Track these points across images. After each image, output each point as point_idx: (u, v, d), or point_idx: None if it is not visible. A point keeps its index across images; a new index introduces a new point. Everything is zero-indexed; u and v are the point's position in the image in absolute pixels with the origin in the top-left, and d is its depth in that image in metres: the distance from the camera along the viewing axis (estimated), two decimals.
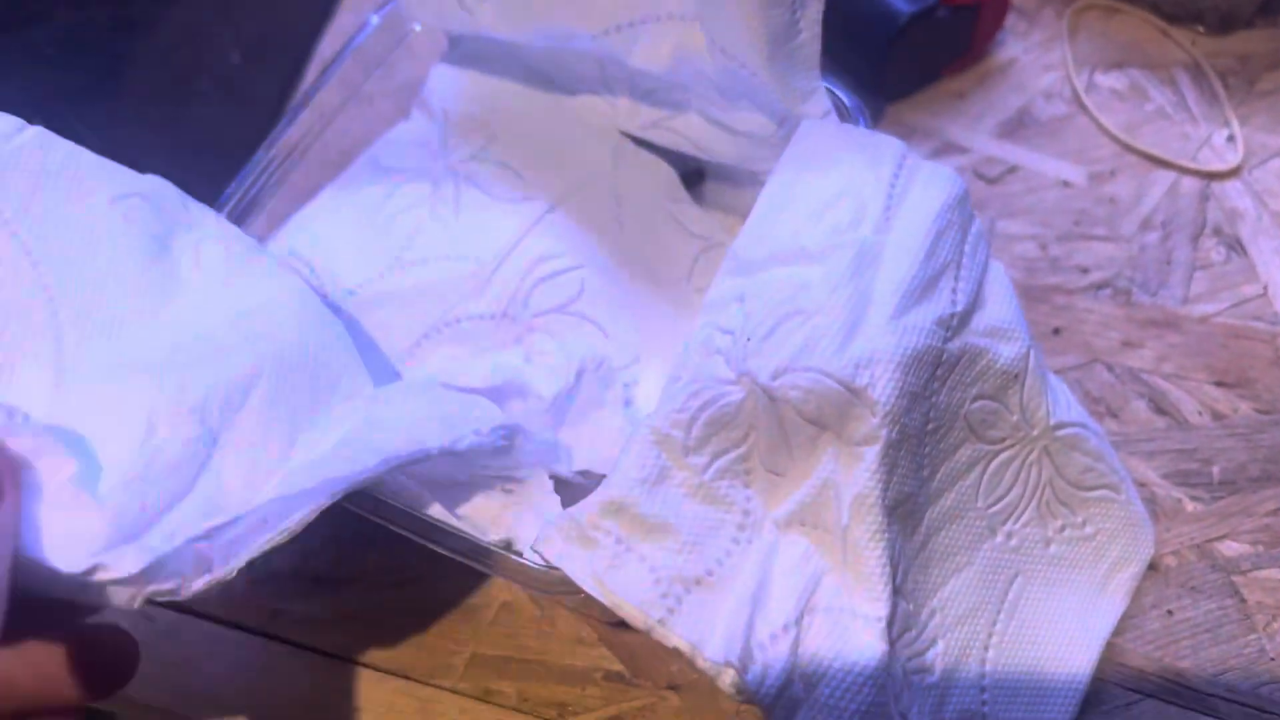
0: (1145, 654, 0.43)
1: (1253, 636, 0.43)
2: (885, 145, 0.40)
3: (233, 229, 0.42)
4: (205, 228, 0.41)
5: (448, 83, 0.52)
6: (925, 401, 0.36)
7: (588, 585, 0.33)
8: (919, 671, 0.37)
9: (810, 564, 0.35)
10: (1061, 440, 0.41)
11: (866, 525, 0.34)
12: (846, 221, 0.37)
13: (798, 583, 0.34)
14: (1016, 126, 0.59)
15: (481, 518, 0.38)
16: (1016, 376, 0.39)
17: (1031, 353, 0.39)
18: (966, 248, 0.39)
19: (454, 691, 0.45)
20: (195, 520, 0.33)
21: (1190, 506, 0.46)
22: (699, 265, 0.50)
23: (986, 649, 0.39)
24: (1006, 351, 0.39)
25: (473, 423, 0.37)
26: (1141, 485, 0.47)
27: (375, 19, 0.51)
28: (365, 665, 0.45)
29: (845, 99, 0.44)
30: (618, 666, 0.44)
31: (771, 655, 0.32)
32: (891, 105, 0.61)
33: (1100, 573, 0.42)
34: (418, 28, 0.52)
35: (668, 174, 0.51)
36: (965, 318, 0.38)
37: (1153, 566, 0.45)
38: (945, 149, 0.59)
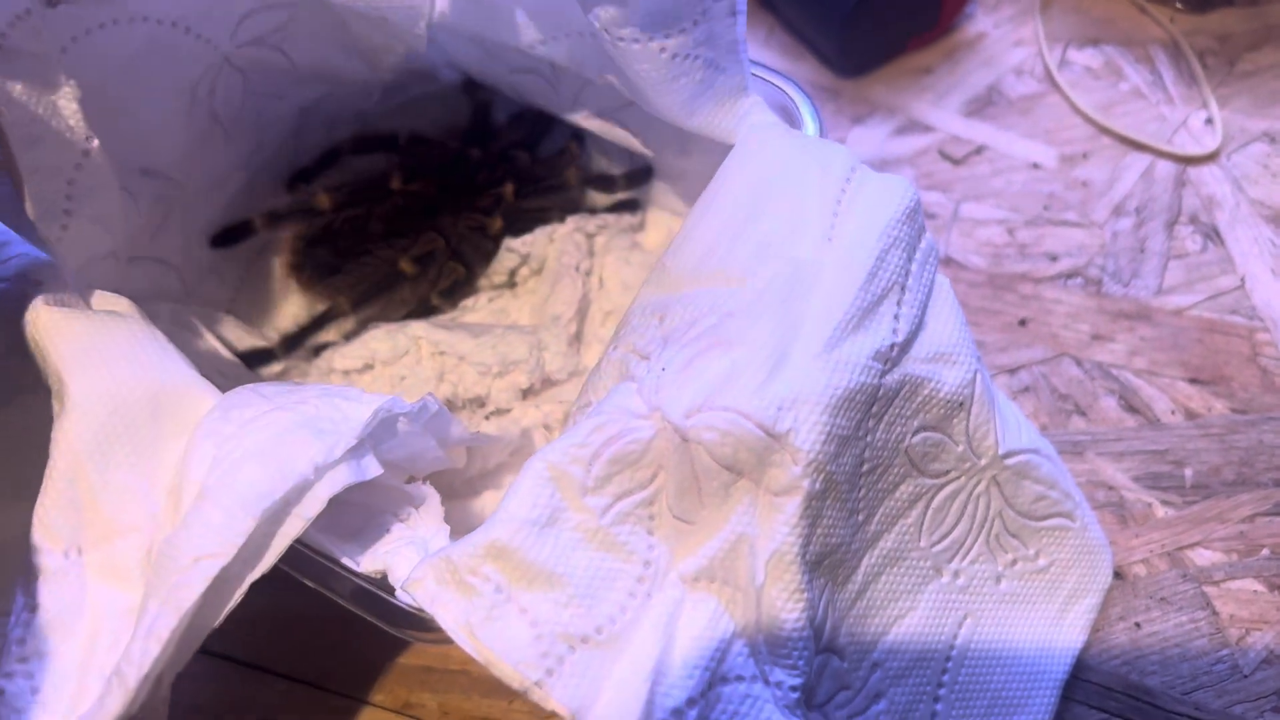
0: (1111, 670, 0.40)
1: (1225, 652, 0.41)
2: (833, 155, 0.36)
3: None
4: None
5: None
6: (858, 443, 0.32)
7: (458, 637, 0.29)
8: None
9: (719, 627, 0.30)
10: (1011, 469, 0.37)
11: (784, 585, 0.30)
12: (783, 235, 0.33)
13: (705, 648, 0.30)
14: (985, 104, 0.56)
15: (359, 543, 0.34)
16: (962, 405, 0.35)
17: (979, 377, 0.36)
18: (913, 267, 0.35)
19: (370, 704, 0.41)
20: None
21: (1161, 511, 0.44)
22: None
23: (936, 701, 0.36)
24: (951, 378, 0.35)
25: (345, 422, 0.32)
26: (1110, 488, 0.44)
27: None
28: (275, 673, 0.42)
29: (798, 97, 0.41)
30: None
31: None
32: (853, 80, 0.57)
33: (1055, 607, 0.39)
34: None
35: None
36: (906, 346, 0.34)
37: (1120, 576, 0.42)
38: (909, 127, 0.55)
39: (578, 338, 0.46)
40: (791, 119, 0.40)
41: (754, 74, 0.40)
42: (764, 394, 0.30)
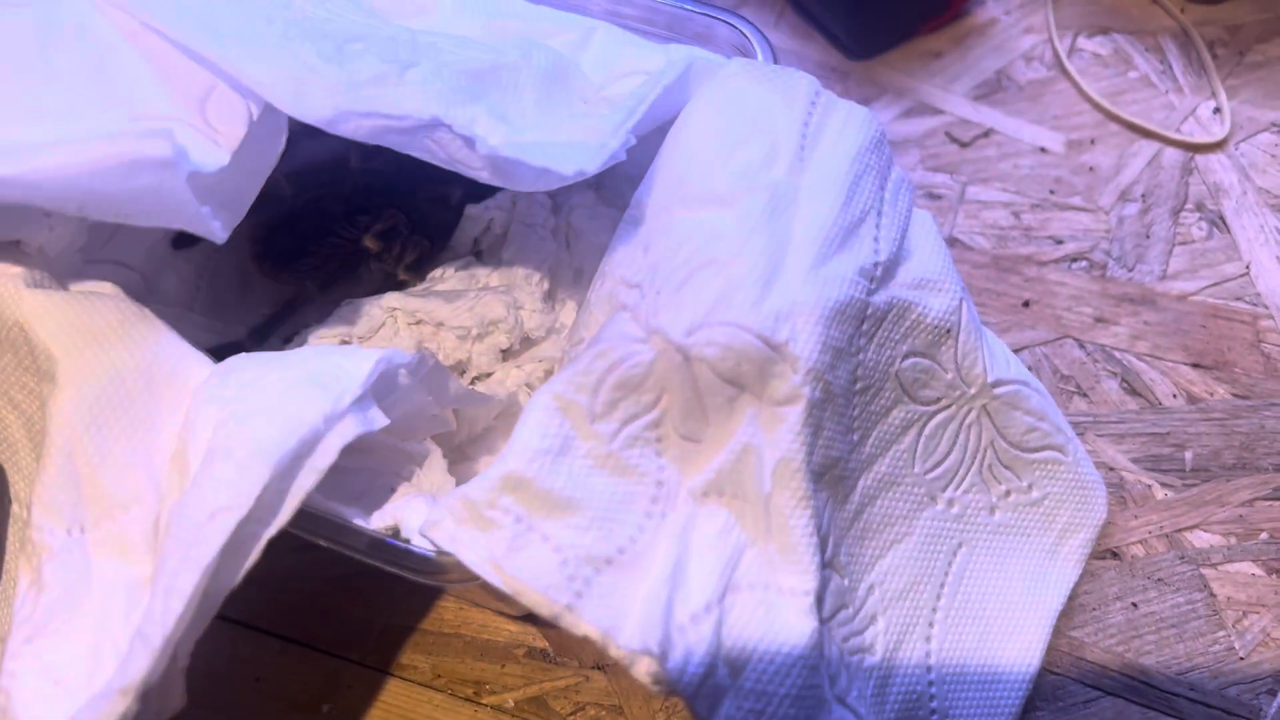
0: (1107, 648, 0.40)
1: (1221, 634, 0.40)
2: (796, 81, 0.36)
3: None
4: None
5: None
6: (851, 358, 0.33)
7: (484, 571, 0.29)
8: (858, 651, 0.33)
9: (731, 537, 0.31)
10: (1001, 399, 0.38)
11: (791, 492, 0.31)
12: (758, 162, 0.34)
13: (718, 558, 0.30)
14: (994, 89, 0.56)
15: (364, 505, 0.34)
16: (949, 331, 0.36)
17: (964, 305, 0.36)
18: (887, 194, 0.36)
19: (362, 664, 0.41)
20: None
21: (1160, 493, 0.43)
22: None
23: (931, 625, 0.36)
24: (937, 304, 0.36)
25: (347, 375, 0.31)
26: (1110, 469, 0.44)
27: None
28: (266, 632, 0.42)
29: (750, 33, 0.41)
30: (541, 643, 0.41)
31: (693, 639, 0.29)
32: (863, 63, 0.57)
33: (1049, 540, 0.39)
34: None
35: None
36: (890, 269, 0.35)
37: (1118, 556, 0.42)
38: (918, 109, 0.55)
39: (551, 295, 0.45)
40: (747, 56, 0.41)
41: (706, 15, 0.41)
42: (761, 307, 0.31)
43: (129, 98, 0.33)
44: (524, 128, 0.35)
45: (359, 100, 0.32)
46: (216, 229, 0.33)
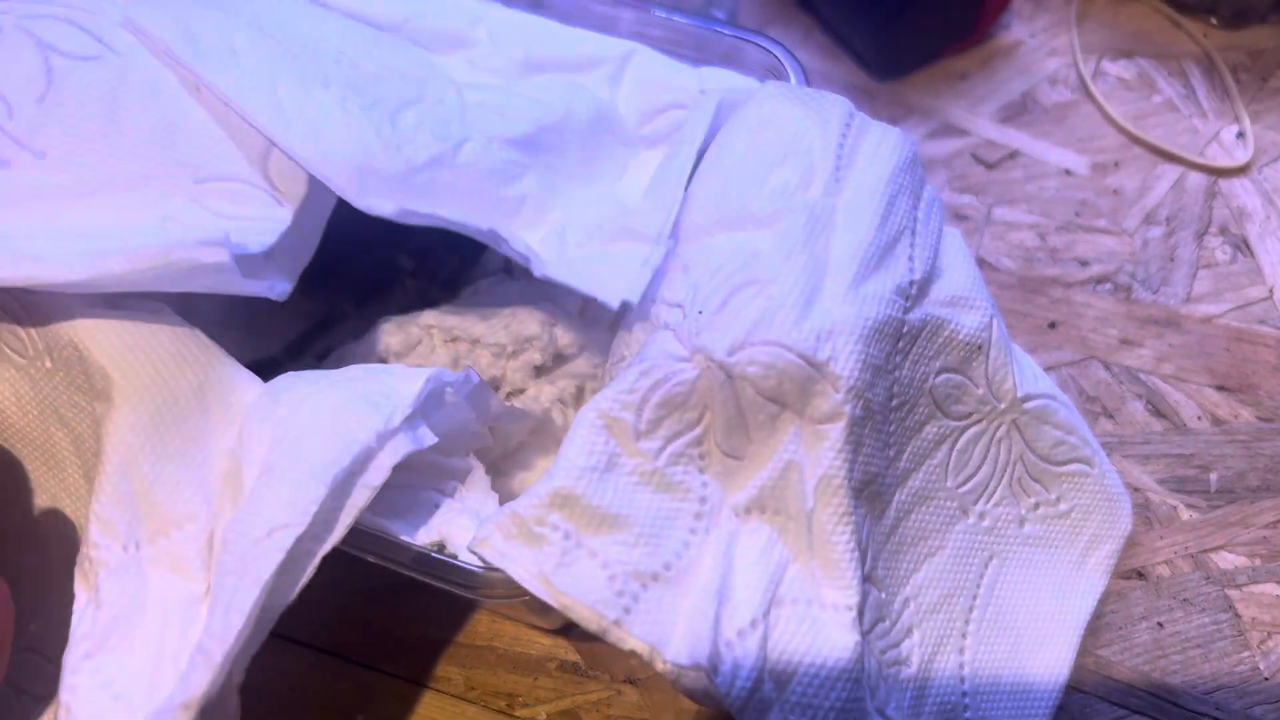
0: (1133, 667, 0.41)
1: (1246, 654, 0.41)
2: (831, 103, 0.37)
3: None
4: None
5: None
6: (888, 376, 0.34)
7: (533, 587, 0.30)
8: (895, 664, 0.34)
9: (774, 553, 0.32)
10: (1030, 414, 0.38)
11: (833, 508, 0.31)
12: (795, 183, 0.35)
13: (762, 574, 0.31)
14: (1019, 111, 0.56)
15: (409, 521, 0.34)
16: (980, 348, 0.37)
17: (995, 323, 0.37)
18: (920, 214, 0.36)
19: (396, 676, 0.42)
20: None
21: (1186, 514, 0.44)
22: None
23: (964, 637, 0.37)
24: (969, 322, 0.36)
25: (397, 395, 0.32)
26: (1136, 490, 0.44)
27: None
28: (301, 644, 0.42)
29: (782, 56, 0.42)
30: (573, 656, 0.42)
31: (740, 654, 0.29)
32: (889, 83, 0.58)
33: (1077, 551, 0.40)
34: None
35: None
36: (924, 286, 0.35)
37: (1144, 576, 0.42)
38: (944, 130, 0.56)
39: (584, 312, 0.46)
40: (779, 78, 0.41)
41: (740, 39, 0.42)
42: (802, 326, 0.31)
43: (194, 160, 0.34)
44: (572, 207, 0.36)
45: (416, 193, 0.34)
46: (280, 290, 0.35)
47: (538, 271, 0.34)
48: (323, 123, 0.33)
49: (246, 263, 0.34)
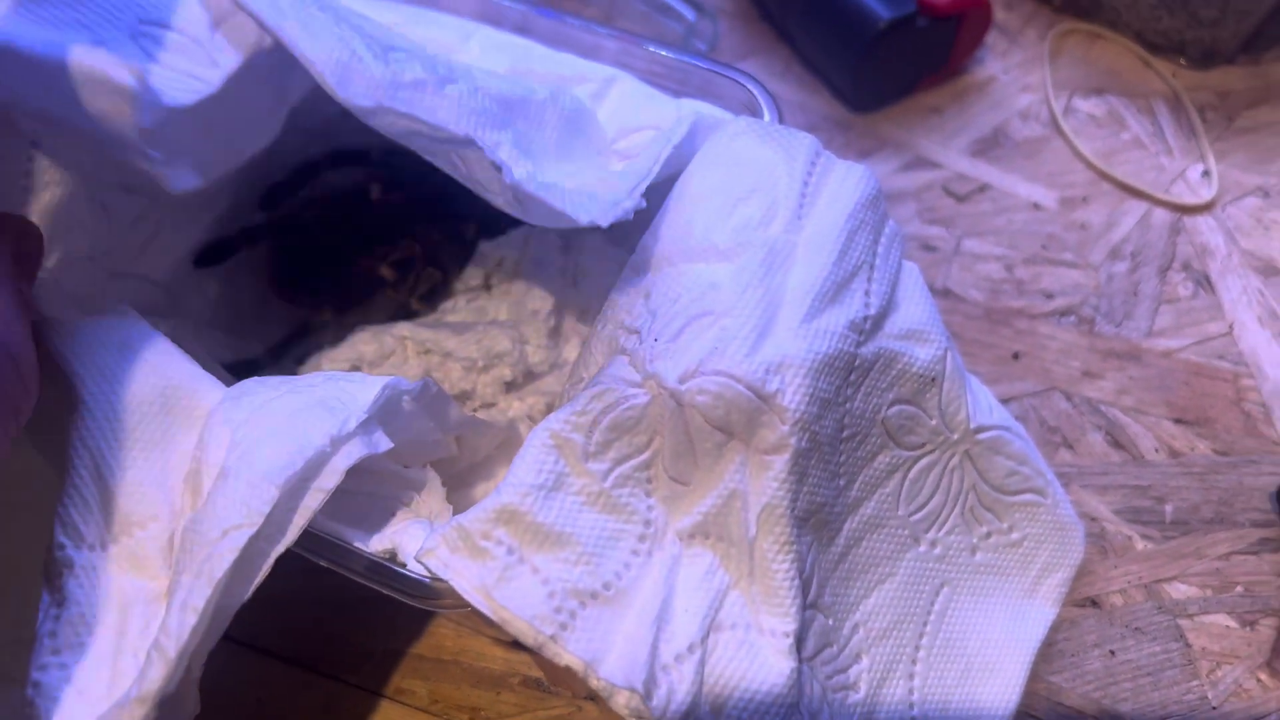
0: (1083, 694, 0.41)
1: (1195, 683, 0.42)
2: (798, 141, 0.38)
3: None
4: None
5: None
6: (838, 408, 0.34)
7: (474, 599, 0.30)
8: (841, 689, 0.35)
9: (715, 579, 0.32)
10: (983, 444, 0.39)
11: (774, 537, 0.32)
12: (757, 219, 0.35)
13: (702, 599, 0.32)
14: (991, 145, 0.58)
15: (364, 529, 0.35)
16: (934, 380, 0.37)
17: (949, 355, 0.38)
18: (880, 249, 0.37)
19: (361, 688, 0.42)
20: None
21: (1140, 545, 0.45)
22: None
23: (914, 663, 0.37)
24: (923, 354, 0.37)
25: (353, 400, 0.33)
26: (1092, 520, 0.45)
27: None
28: (268, 654, 0.43)
29: (757, 92, 0.43)
30: (536, 673, 0.42)
31: (676, 678, 0.30)
32: (865, 115, 0.59)
33: (1029, 579, 0.41)
34: None
35: None
36: (879, 321, 0.36)
37: (1098, 604, 0.43)
38: (916, 163, 0.57)
39: (557, 331, 0.47)
40: (753, 113, 0.42)
41: (714, 71, 0.43)
42: (753, 358, 0.32)
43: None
44: (546, 165, 0.36)
45: (398, 99, 0.33)
46: (182, 182, 0.35)
47: (508, 178, 0.34)
48: (317, 26, 0.33)
49: (155, 115, 0.34)
